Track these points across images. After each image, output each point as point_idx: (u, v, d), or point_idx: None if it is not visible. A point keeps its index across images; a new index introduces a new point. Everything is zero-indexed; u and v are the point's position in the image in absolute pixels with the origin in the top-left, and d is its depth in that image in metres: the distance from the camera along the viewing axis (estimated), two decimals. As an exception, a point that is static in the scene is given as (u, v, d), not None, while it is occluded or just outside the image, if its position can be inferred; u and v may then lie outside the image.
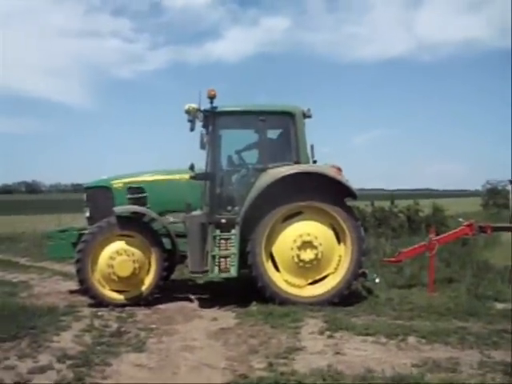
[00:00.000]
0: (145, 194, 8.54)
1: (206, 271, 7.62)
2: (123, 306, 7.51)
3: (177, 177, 8.65)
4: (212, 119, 7.98)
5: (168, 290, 8.33)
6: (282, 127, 8.30)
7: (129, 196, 8.50)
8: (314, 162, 8.16)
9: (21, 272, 11.14)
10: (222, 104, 7.97)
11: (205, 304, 7.84)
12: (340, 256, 7.72)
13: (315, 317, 6.82)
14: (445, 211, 17.76)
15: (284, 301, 7.44)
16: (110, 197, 8.54)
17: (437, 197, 45.17)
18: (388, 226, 16.36)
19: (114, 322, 6.74)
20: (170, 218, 8.37)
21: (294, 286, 7.63)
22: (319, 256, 7.53)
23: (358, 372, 4.77)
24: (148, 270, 7.78)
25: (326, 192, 7.61)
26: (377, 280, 8.57)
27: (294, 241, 7.51)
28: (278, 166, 7.83)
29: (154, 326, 6.57)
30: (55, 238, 8.64)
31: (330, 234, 7.74)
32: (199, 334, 6.25)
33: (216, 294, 8.45)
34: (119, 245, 7.66)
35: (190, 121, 7.92)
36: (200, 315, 7.22)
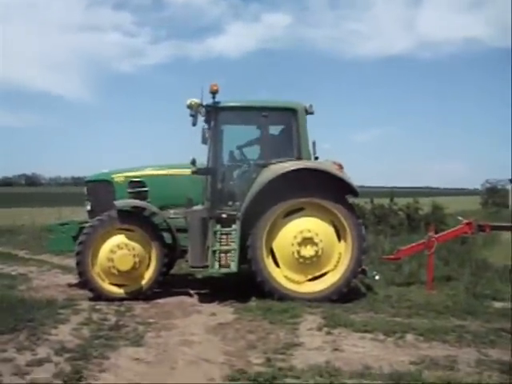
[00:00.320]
0: (146, 188, 8.54)
1: (207, 266, 7.62)
2: (122, 299, 7.51)
3: (178, 171, 8.64)
4: (214, 114, 7.97)
5: (167, 284, 8.34)
6: (284, 123, 8.29)
7: (129, 190, 8.51)
8: (316, 158, 8.16)
9: (20, 265, 11.12)
10: (223, 99, 7.96)
11: (204, 299, 7.85)
12: (340, 253, 7.73)
13: (314, 313, 6.83)
14: (444, 209, 17.76)
15: (283, 296, 7.45)
16: (111, 190, 8.54)
17: (436, 195, 45.17)
18: (387, 224, 16.36)
19: (112, 315, 6.74)
20: (171, 212, 8.37)
21: (293, 281, 7.64)
22: (319, 253, 7.53)
23: (355, 369, 4.78)
24: (148, 265, 7.77)
25: (327, 189, 7.61)
26: (377, 277, 8.58)
27: (295, 237, 7.52)
28: (279, 162, 7.82)
29: (152, 320, 6.58)
30: (56, 231, 8.65)
31: (331, 230, 7.74)
32: (198, 328, 6.26)
33: (215, 289, 8.46)
34: (120, 239, 7.66)
35: (192, 115, 7.91)
36: (199, 310, 7.23)
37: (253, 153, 8.42)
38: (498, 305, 7.46)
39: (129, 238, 7.68)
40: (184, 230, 7.95)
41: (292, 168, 7.54)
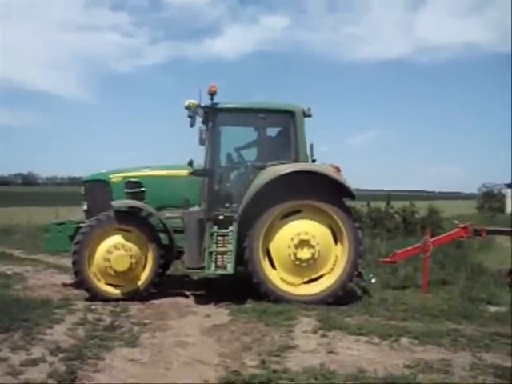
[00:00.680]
0: (143, 189, 8.52)
1: (203, 267, 7.62)
2: (117, 300, 7.50)
3: (175, 172, 8.63)
4: (212, 116, 7.97)
5: (163, 285, 8.33)
6: (282, 125, 8.30)
7: (127, 190, 8.49)
8: (313, 161, 8.16)
9: (15, 264, 11.09)
10: (221, 101, 7.97)
11: (199, 300, 7.84)
12: (336, 256, 7.74)
13: (309, 315, 6.83)
14: (440, 213, 17.80)
15: (278, 298, 7.45)
16: (108, 191, 8.53)
17: (433, 199, 45.24)
18: (383, 227, 16.38)
19: (107, 316, 6.73)
20: (168, 213, 8.36)
21: (289, 283, 7.64)
22: (316, 255, 7.54)
23: (350, 371, 4.79)
24: (144, 266, 7.77)
25: (324, 191, 7.62)
26: (373, 280, 8.60)
27: (292, 239, 7.52)
28: (277, 164, 7.83)
29: (147, 320, 6.57)
30: (52, 230, 8.64)
31: (328, 233, 7.75)
32: (193, 330, 6.25)
33: (211, 291, 8.45)
34: (117, 239, 7.65)
35: (190, 117, 7.91)
36: (194, 311, 7.22)
37: (250, 155, 8.42)
38: (493, 309, 7.49)
39: (126, 238, 7.68)
40: (181, 231, 7.94)
41: (289, 170, 7.55)
